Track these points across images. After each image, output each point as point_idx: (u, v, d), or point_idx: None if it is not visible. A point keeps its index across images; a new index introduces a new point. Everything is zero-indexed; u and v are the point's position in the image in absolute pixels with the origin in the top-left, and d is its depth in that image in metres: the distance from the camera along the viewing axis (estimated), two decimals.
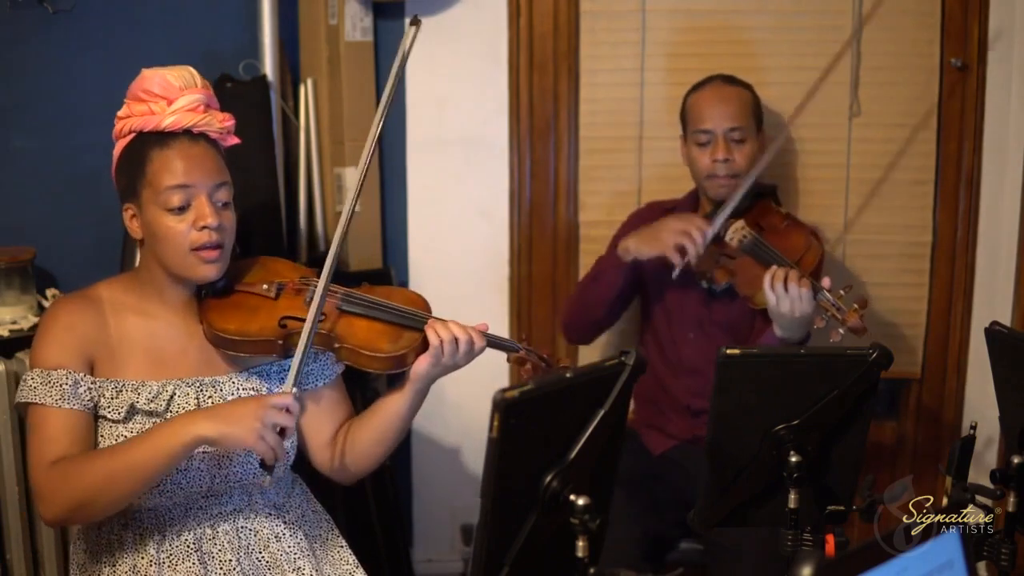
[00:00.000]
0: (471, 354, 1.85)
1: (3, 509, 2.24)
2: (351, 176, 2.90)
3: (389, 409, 1.88)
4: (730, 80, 2.54)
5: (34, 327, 2.34)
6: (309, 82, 2.89)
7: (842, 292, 2.21)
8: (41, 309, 2.43)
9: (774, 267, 2.26)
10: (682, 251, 2.36)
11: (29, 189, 2.56)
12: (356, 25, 2.87)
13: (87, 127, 2.57)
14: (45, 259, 2.51)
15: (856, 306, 2.19)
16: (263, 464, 1.70)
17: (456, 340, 1.82)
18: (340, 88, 2.86)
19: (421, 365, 1.83)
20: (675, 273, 2.38)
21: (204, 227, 1.74)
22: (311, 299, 1.84)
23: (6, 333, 2.32)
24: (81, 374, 1.73)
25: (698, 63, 2.80)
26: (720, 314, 2.50)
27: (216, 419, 1.67)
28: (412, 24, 1.83)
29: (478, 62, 2.95)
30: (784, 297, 2.21)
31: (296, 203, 2.90)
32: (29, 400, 1.71)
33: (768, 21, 2.86)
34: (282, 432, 1.69)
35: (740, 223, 2.43)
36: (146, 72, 1.79)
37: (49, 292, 2.48)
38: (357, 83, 2.89)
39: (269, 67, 2.77)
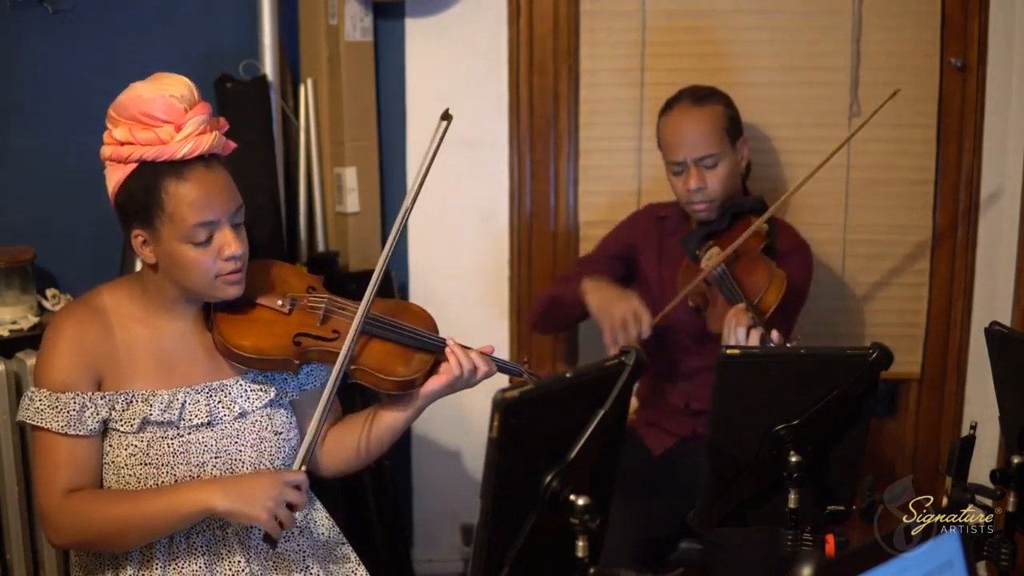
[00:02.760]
0: (477, 379, 1.87)
1: (3, 509, 2.24)
2: (351, 177, 2.90)
3: (387, 421, 1.89)
4: (698, 98, 2.46)
5: (34, 327, 2.35)
6: (309, 82, 2.89)
7: (788, 346, 2.15)
8: (41, 309, 2.43)
9: (739, 306, 2.22)
10: (615, 338, 2.32)
11: (29, 189, 2.56)
12: (356, 25, 2.87)
13: (87, 127, 2.55)
14: (45, 259, 2.50)
15: None
16: (267, 538, 1.71)
17: (475, 369, 1.84)
18: (340, 88, 2.86)
19: (433, 387, 1.84)
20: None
21: (230, 257, 1.72)
22: (324, 317, 1.83)
23: (6, 333, 2.32)
24: (89, 393, 1.72)
25: (698, 63, 2.81)
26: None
27: (230, 494, 1.66)
28: (443, 119, 1.79)
29: (478, 62, 2.95)
30: (732, 333, 2.19)
31: (296, 203, 2.91)
32: (35, 423, 1.70)
33: (768, 21, 2.86)
34: (291, 507, 1.69)
35: (715, 250, 2.39)
36: (141, 91, 1.68)
37: (49, 292, 2.48)
38: (357, 83, 2.89)
39: (269, 67, 2.77)
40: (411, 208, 1.85)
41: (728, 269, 2.33)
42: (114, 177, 1.72)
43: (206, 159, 1.71)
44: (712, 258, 2.37)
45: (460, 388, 1.86)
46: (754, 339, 2.17)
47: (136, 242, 1.74)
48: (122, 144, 1.69)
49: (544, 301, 2.65)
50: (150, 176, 1.68)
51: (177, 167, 1.68)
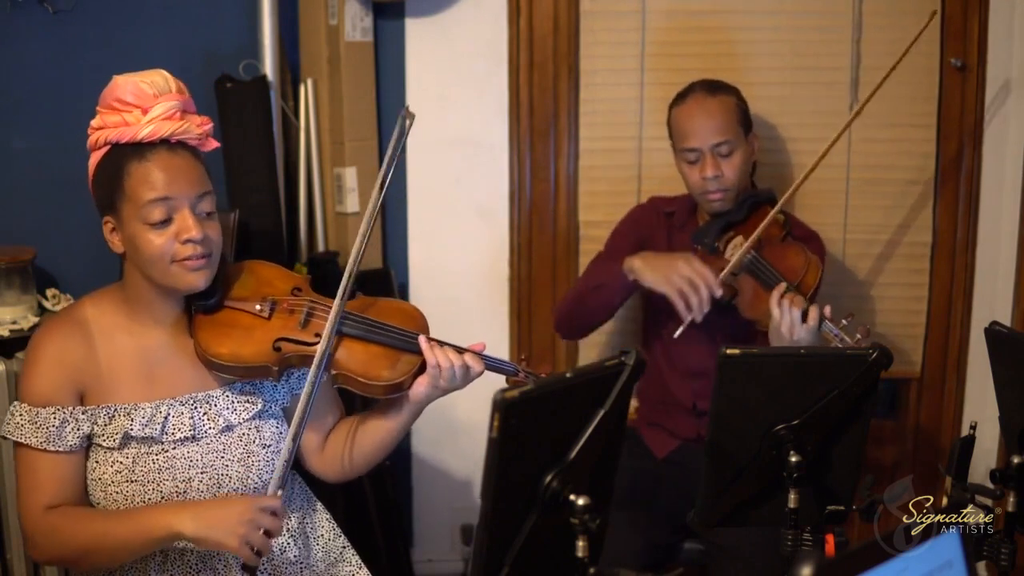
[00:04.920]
0: (468, 379, 1.81)
1: (3, 509, 2.25)
2: (351, 177, 2.90)
3: (382, 427, 1.86)
4: (711, 89, 2.47)
5: (35, 327, 2.35)
6: (309, 82, 2.89)
7: (844, 322, 2.18)
8: (41, 309, 2.43)
9: (783, 285, 2.23)
10: (687, 302, 2.29)
11: (29, 189, 2.56)
12: (356, 25, 2.87)
13: (87, 127, 2.57)
14: (45, 259, 2.50)
15: (859, 336, 2.16)
16: (245, 567, 1.67)
17: (453, 366, 1.78)
18: (340, 88, 2.86)
19: (419, 389, 1.79)
20: (677, 332, 2.34)
21: (188, 240, 1.69)
22: (306, 319, 1.79)
23: (6, 333, 2.32)
24: (70, 408, 1.70)
25: (698, 63, 2.81)
26: (726, 320, 2.48)
27: (200, 520, 1.63)
28: (406, 116, 1.73)
29: (478, 62, 2.95)
30: (787, 313, 2.19)
31: (296, 203, 2.91)
32: (16, 439, 1.69)
33: (768, 21, 2.86)
34: (267, 534, 1.65)
35: (740, 239, 2.40)
36: (118, 79, 1.71)
37: (49, 292, 2.49)
38: (357, 83, 2.89)
39: (269, 67, 2.77)
40: (377, 209, 1.78)
41: (759, 256, 2.34)
42: (90, 167, 1.76)
43: (171, 144, 1.71)
44: (738, 247, 2.37)
45: (447, 389, 1.80)
46: (812, 317, 2.17)
47: (106, 230, 1.75)
48: (96, 130, 1.73)
49: (576, 297, 2.56)
50: (116, 159, 1.71)
51: (140, 149, 1.69)
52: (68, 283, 2.57)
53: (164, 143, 1.70)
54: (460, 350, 1.82)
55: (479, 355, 1.83)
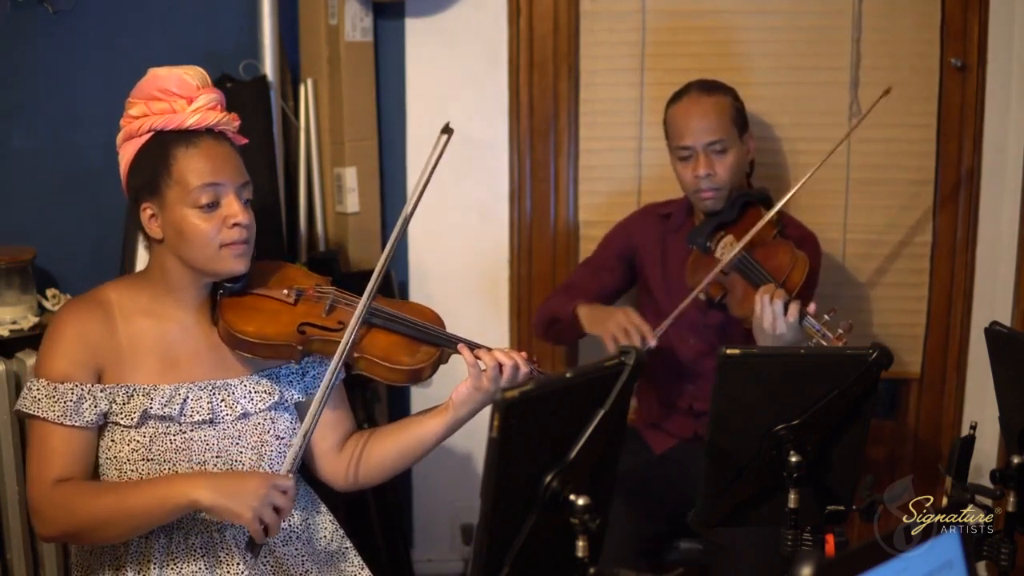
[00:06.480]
0: (514, 381, 1.80)
1: (3, 509, 2.25)
2: (351, 177, 2.90)
3: (420, 431, 1.88)
4: (708, 88, 2.48)
5: (35, 327, 2.35)
6: (309, 82, 2.89)
7: (827, 317, 2.17)
8: (41, 309, 2.43)
9: (770, 285, 2.23)
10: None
11: (29, 189, 2.55)
12: (356, 25, 2.87)
13: (87, 127, 2.58)
14: (45, 259, 2.50)
15: (841, 331, 2.15)
16: (250, 543, 1.69)
17: (500, 367, 1.79)
18: (340, 88, 2.86)
19: (461, 390, 1.82)
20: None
21: (236, 224, 1.74)
22: (330, 308, 1.84)
23: (6, 333, 2.32)
24: (89, 385, 1.72)
25: (698, 63, 2.81)
26: (718, 320, 2.48)
27: (217, 489, 1.65)
28: (444, 132, 1.80)
29: (478, 62, 2.95)
30: (768, 307, 2.19)
31: (296, 203, 2.91)
32: (31, 412, 1.70)
33: (768, 21, 2.86)
34: (277, 511, 1.67)
35: (730, 239, 2.40)
36: (157, 71, 1.76)
37: (49, 292, 2.48)
38: (357, 83, 2.89)
39: (269, 67, 2.77)
40: (410, 218, 1.86)
41: (748, 254, 2.34)
42: (127, 155, 1.78)
43: (215, 133, 1.77)
44: (728, 247, 2.38)
45: (492, 391, 1.78)
46: (793, 312, 2.17)
47: (144, 216, 1.77)
48: (137, 118, 1.76)
49: (545, 316, 2.64)
50: (161, 145, 1.75)
51: (186, 136, 1.74)
52: (68, 283, 2.57)
53: (209, 132, 1.76)
54: (492, 350, 1.83)
55: (526, 359, 1.83)
